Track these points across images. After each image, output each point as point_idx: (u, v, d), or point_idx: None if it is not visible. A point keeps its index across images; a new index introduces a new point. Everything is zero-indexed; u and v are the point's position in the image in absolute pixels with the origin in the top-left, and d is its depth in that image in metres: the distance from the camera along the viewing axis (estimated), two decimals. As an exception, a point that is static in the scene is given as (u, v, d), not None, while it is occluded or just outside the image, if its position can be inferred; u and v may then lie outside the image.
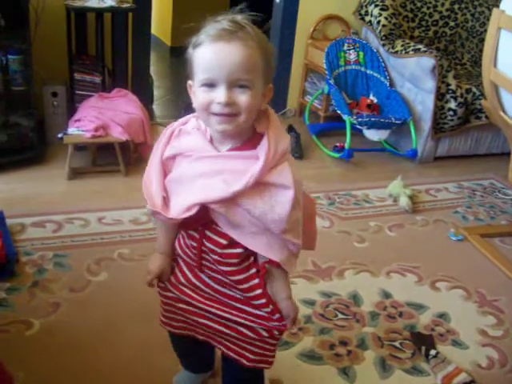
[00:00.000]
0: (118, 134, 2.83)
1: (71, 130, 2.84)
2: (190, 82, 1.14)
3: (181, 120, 1.23)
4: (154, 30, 5.61)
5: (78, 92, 3.10)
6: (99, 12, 3.06)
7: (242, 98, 1.06)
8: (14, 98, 2.99)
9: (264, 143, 1.10)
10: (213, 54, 1.05)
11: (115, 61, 3.28)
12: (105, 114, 2.88)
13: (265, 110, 1.15)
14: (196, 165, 1.13)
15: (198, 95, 1.09)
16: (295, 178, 1.12)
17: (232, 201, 1.09)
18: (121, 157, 2.89)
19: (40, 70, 3.07)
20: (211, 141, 1.15)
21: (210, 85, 1.06)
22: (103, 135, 2.83)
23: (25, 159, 2.90)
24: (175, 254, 1.33)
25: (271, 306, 1.23)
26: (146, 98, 3.56)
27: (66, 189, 2.77)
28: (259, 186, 1.09)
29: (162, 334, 1.81)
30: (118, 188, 2.82)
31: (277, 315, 1.24)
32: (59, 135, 2.83)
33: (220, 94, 1.05)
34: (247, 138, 1.14)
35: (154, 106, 4.03)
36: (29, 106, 2.95)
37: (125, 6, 3.12)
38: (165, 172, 1.19)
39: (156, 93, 4.15)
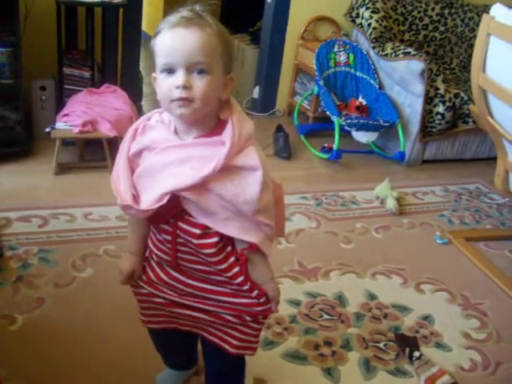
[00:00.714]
0: (106, 130, 2.82)
1: (59, 124, 2.82)
2: (153, 74, 1.16)
3: (144, 116, 1.24)
4: (144, 27, 5.58)
5: (66, 87, 3.08)
6: (90, 6, 3.04)
7: (200, 82, 1.07)
8: (1, 92, 2.95)
9: (229, 128, 1.11)
10: (171, 39, 1.08)
11: (105, 56, 3.26)
12: (93, 109, 2.86)
13: (227, 100, 1.16)
14: (162, 156, 1.13)
15: (160, 83, 1.11)
16: (262, 160, 1.13)
17: (203, 187, 1.10)
18: (108, 153, 2.87)
19: (29, 63, 3.04)
20: (176, 132, 1.16)
21: (170, 70, 1.08)
22: (91, 131, 2.81)
23: (11, 153, 2.88)
24: (147, 254, 1.31)
25: (256, 291, 1.24)
26: (135, 95, 3.54)
27: (53, 184, 2.75)
28: (228, 170, 1.10)
29: (145, 330, 1.81)
30: (105, 184, 2.77)
31: (263, 299, 1.25)
32: (47, 129, 2.81)
33: (178, 78, 1.06)
34: (212, 127, 1.15)
35: (143, 103, 4.01)
36: (17, 100, 2.93)
37: (116, 0, 3.10)
38: (132, 169, 1.20)
39: (145, 89, 4.13)
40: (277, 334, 1.90)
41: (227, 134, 1.10)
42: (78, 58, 3.13)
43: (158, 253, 1.27)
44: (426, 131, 3.46)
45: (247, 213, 1.14)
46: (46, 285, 1.99)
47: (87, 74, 3.09)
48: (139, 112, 3.51)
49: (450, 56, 4.12)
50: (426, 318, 2.11)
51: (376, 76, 3.65)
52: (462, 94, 3.46)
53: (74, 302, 1.93)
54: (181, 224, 1.18)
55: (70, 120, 2.81)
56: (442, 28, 4.05)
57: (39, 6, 3.09)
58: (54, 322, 1.83)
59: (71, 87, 3.07)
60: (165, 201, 1.11)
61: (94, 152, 2.99)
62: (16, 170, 2.81)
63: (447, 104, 3.39)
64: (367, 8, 3.72)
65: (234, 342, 1.32)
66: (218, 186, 1.10)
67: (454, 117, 3.46)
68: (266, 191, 1.14)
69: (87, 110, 2.85)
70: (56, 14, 3.04)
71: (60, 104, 3.08)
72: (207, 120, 1.14)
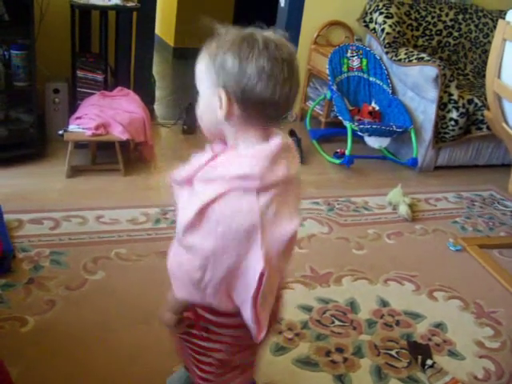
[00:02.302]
0: (118, 133, 2.82)
1: (72, 127, 2.83)
2: None
3: None
4: (157, 31, 5.61)
5: (79, 89, 3.09)
6: (104, 10, 3.06)
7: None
8: (15, 94, 2.97)
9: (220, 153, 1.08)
10: None
11: (118, 59, 3.28)
12: (106, 112, 2.87)
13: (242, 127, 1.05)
14: None
15: None
16: (222, 210, 1.01)
17: (183, 187, 1.09)
18: (121, 156, 2.87)
19: (42, 66, 3.06)
20: None
21: None
22: (104, 133, 2.81)
23: (25, 155, 2.89)
24: None
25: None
26: (148, 98, 3.55)
27: (65, 186, 2.75)
28: (193, 184, 1.05)
29: (157, 335, 1.81)
30: (116, 187, 2.81)
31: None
32: (60, 132, 2.82)
33: None
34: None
35: (156, 107, 4.02)
36: (30, 102, 2.94)
37: (130, 4, 3.12)
38: None
39: (158, 93, 4.14)
40: (288, 339, 1.89)
41: (210, 153, 1.08)
42: (92, 61, 3.14)
43: None
44: (439, 137, 3.44)
45: (177, 233, 1.08)
46: (58, 287, 1.99)
47: (100, 77, 3.11)
48: (152, 115, 3.52)
49: (463, 62, 4.09)
50: (439, 325, 2.08)
51: (389, 81, 3.63)
52: (476, 100, 3.44)
53: (85, 305, 1.93)
54: None
55: (83, 123, 2.82)
56: (456, 34, 4.03)
57: (53, 10, 3.11)
58: (65, 324, 1.83)
59: (84, 90, 3.08)
60: None
61: (107, 155, 3.00)
62: (28, 172, 2.82)
63: (461, 110, 3.36)
64: (381, 13, 3.71)
65: None
66: (182, 192, 1.09)
67: (467, 123, 3.44)
68: (193, 232, 1.03)
69: (100, 112, 2.86)
70: (70, 18, 3.06)
71: (73, 107, 3.09)
72: (222, 140, 1.10)
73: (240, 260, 1.04)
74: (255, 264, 1.04)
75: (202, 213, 1.01)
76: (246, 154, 1.03)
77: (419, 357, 1.86)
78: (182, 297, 1.16)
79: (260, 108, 1.02)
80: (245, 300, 1.08)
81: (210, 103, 1.04)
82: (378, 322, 2.05)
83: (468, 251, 2.62)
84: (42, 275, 2.04)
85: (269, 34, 1.05)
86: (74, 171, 2.87)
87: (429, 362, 1.84)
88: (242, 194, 1.01)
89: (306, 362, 1.81)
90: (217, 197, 1.00)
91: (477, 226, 2.91)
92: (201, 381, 1.31)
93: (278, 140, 1.05)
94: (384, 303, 2.17)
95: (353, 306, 2.12)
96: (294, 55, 1.04)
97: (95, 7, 3.04)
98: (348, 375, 1.78)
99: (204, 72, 1.03)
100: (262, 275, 1.04)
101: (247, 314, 1.09)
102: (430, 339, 2.00)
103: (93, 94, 3.04)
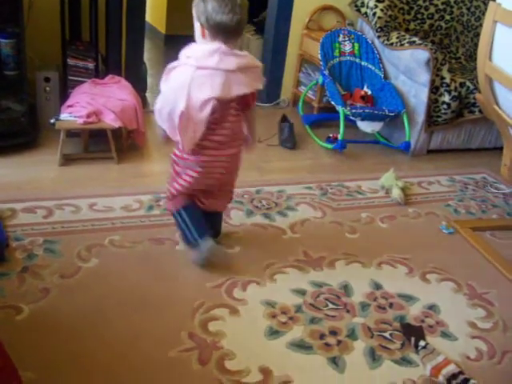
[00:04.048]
0: (110, 121, 2.81)
1: (63, 115, 2.81)
2: None
3: None
4: (148, 18, 5.57)
5: (70, 78, 3.08)
6: (93, -3, 3.03)
7: None
8: (5, 83, 2.95)
9: None
10: None
11: (109, 47, 3.25)
12: (98, 100, 2.86)
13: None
14: None
15: None
16: (175, 73, 1.91)
17: None
18: (113, 143, 2.87)
19: (33, 54, 3.04)
20: None
21: None
22: (96, 121, 2.81)
23: (16, 144, 2.88)
24: None
25: None
26: (140, 86, 3.53)
27: (58, 175, 2.75)
28: None
29: (153, 322, 1.82)
30: (109, 175, 2.80)
31: None
32: (51, 121, 2.81)
33: None
34: None
35: (147, 94, 4.00)
36: (21, 91, 2.93)
37: (119, -9, 3.09)
38: None
39: (149, 81, 4.12)
40: (282, 323, 1.90)
41: None
42: (82, 49, 3.13)
43: None
44: (431, 121, 3.44)
45: None
46: (52, 275, 1.99)
47: (91, 65, 3.09)
48: (144, 103, 3.51)
49: (455, 45, 4.09)
50: (432, 307, 2.10)
51: (381, 65, 3.63)
52: (468, 84, 3.44)
53: (80, 293, 1.93)
54: None
55: (75, 111, 2.81)
56: (448, 17, 4.02)
57: (43, -3, 3.09)
58: (60, 312, 1.83)
59: (75, 78, 3.07)
60: None
61: (99, 143, 2.99)
62: (21, 162, 2.82)
63: (453, 93, 3.36)
64: (372, -3, 3.69)
65: None
66: None
67: (459, 106, 3.44)
68: (163, 83, 1.93)
69: (91, 100, 2.85)
70: (60, 5, 3.03)
71: (64, 95, 3.08)
72: None
73: (176, 101, 1.86)
74: (180, 106, 1.85)
75: (168, 73, 1.93)
76: (196, 47, 1.91)
77: (412, 338, 1.88)
78: (159, 124, 2.00)
79: (217, 29, 1.84)
80: (175, 127, 1.90)
81: (196, 29, 1.91)
82: (372, 305, 2.06)
83: (461, 233, 2.64)
84: (36, 264, 2.04)
85: None
86: (67, 160, 2.86)
87: (422, 343, 1.86)
88: (188, 67, 1.86)
89: (300, 346, 1.82)
90: (175, 66, 1.91)
91: (469, 209, 2.93)
92: (169, 194, 2.15)
93: (217, 45, 1.85)
94: (377, 286, 2.18)
95: (346, 289, 2.14)
96: None
97: (85, -6, 3.01)
98: (342, 357, 1.79)
99: (193, 14, 1.89)
100: (182, 113, 1.85)
101: (177, 138, 1.94)
102: (422, 321, 2.01)
103: (84, 81, 3.03)
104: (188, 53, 1.88)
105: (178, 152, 2.04)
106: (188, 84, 1.83)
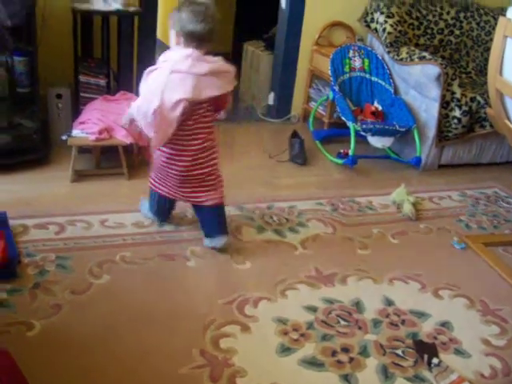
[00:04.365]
0: (121, 137, 2.83)
1: (75, 132, 2.84)
2: None
3: None
4: (159, 35, 5.61)
5: (82, 94, 3.10)
6: (105, 15, 3.07)
7: None
8: (18, 100, 2.98)
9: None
10: None
11: (120, 64, 3.28)
12: (109, 116, 2.88)
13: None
14: None
15: None
16: (152, 75, 2.12)
17: None
18: (124, 160, 2.88)
19: (45, 71, 3.07)
20: None
21: None
22: (107, 138, 2.82)
23: (29, 160, 2.90)
24: None
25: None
26: (151, 102, 3.55)
27: (69, 191, 2.76)
28: None
29: (162, 338, 1.82)
30: (121, 191, 2.81)
31: None
32: (63, 137, 2.83)
33: None
34: None
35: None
36: (33, 108, 2.95)
37: (131, 9, 3.13)
38: None
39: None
40: (294, 340, 1.89)
41: None
42: (94, 65, 3.16)
43: None
44: (442, 136, 3.43)
45: None
46: (63, 291, 2.00)
47: (103, 82, 3.12)
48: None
49: (465, 60, 4.08)
50: (445, 324, 2.08)
51: (391, 81, 3.63)
52: (479, 98, 3.43)
53: (91, 309, 1.93)
54: None
55: (87, 127, 2.83)
56: (458, 32, 4.02)
57: (55, 15, 3.12)
58: (72, 328, 1.84)
59: (87, 95, 3.10)
60: None
61: (110, 159, 3.00)
62: (33, 178, 2.83)
63: (464, 108, 3.36)
64: (382, 13, 3.70)
65: None
66: None
67: (470, 121, 3.43)
68: (142, 84, 2.14)
69: (103, 117, 2.87)
70: (72, 23, 3.07)
71: (76, 111, 3.10)
72: None
73: (151, 101, 2.05)
74: (154, 105, 2.04)
75: (146, 75, 2.12)
76: (171, 53, 2.13)
77: (425, 355, 1.86)
78: (130, 112, 2.23)
79: (190, 36, 2.07)
80: (151, 124, 2.10)
81: (172, 36, 2.14)
82: (384, 322, 2.05)
83: (473, 249, 2.62)
84: (48, 280, 2.05)
85: (200, 0, 2.11)
86: (78, 176, 2.88)
87: (435, 360, 1.84)
88: (163, 71, 2.06)
89: (312, 363, 1.81)
90: (153, 69, 2.11)
91: (481, 224, 2.90)
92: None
93: (190, 51, 2.07)
94: (389, 302, 2.17)
95: (358, 305, 2.12)
96: (206, 7, 2.07)
97: (97, 12, 3.05)
98: (354, 375, 1.78)
99: (170, 23, 2.14)
100: (155, 111, 2.04)
101: (151, 134, 2.13)
102: (435, 338, 1.99)
103: (96, 98, 3.06)
104: (164, 58, 2.11)
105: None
106: (162, 86, 2.04)
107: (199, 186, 2.27)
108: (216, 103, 2.22)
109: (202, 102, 2.14)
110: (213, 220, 2.34)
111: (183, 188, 2.28)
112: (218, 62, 2.13)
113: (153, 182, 2.37)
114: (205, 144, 2.22)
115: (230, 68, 2.18)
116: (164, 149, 2.20)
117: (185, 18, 2.05)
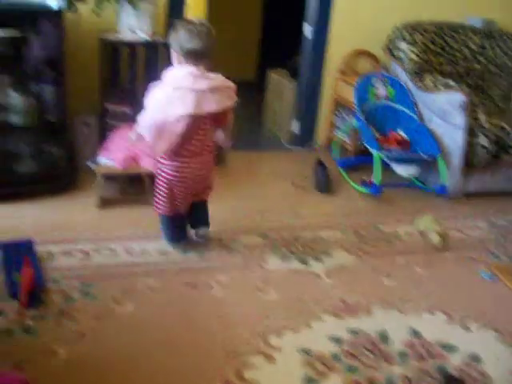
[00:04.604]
0: (147, 165, 2.85)
1: (101, 159, 2.87)
2: None
3: None
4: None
5: (109, 122, 3.14)
6: (133, 46, 3.12)
7: None
8: (46, 128, 3.03)
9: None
10: None
11: (147, 93, 3.31)
12: (135, 144, 2.90)
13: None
14: None
15: None
16: (155, 92, 2.24)
17: None
18: (150, 187, 2.90)
19: (72, 99, 3.12)
20: None
21: None
22: (133, 166, 2.85)
23: (55, 187, 2.94)
24: None
25: None
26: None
27: (95, 218, 2.79)
28: None
29: (185, 368, 1.80)
30: (146, 218, 2.82)
31: None
32: (90, 165, 2.87)
33: None
34: None
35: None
36: (61, 136, 3.00)
37: (157, 39, 3.18)
38: None
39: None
40: (319, 372, 1.86)
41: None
42: (121, 94, 3.20)
43: None
44: (468, 164, 3.40)
45: None
46: (88, 319, 2.00)
47: (129, 110, 3.15)
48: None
49: (491, 87, 4.06)
50: (474, 357, 2.03)
51: (416, 108, 3.62)
52: (505, 125, 3.40)
53: (114, 337, 1.93)
54: None
55: (112, 155, 2.86)
56: (482, 59, 4.01)
57: (83, 45, 3.19)
58: (96, 355, 1.83)
59: (113, 123, 3.13)
60: None
61: (136, 186, 3.03)
62: (59, 204, 2.87)
63: (489, 136, 3.33)
64: (405, 41, 3.71)
65: None
66: None
67: (496, 148, 3.39)
68: (147, 99, 2.24)
69: (129, 145, 2.89)
70: (99, 53, 3.13)
71: (102, 139, 3.14)
72: None
73: (155, 115, 2.20)
74: (157, 119, 2.20)
75: (151, 91, 2.23)
76: (174, 70, 2.24)
77: (454, 390, 1.82)
78: (137, 126, 2.36)
79: (188, 54, 2.19)
80: (154, 136, 2.26)
81: (172, 55, 2.26)
82: (410, 354, 2.01)
83: (502, 279, 2.57)
84: (72, 307, 2.06)
85: (195, 20, 2.33)
86: (104, 202, 2.90)
87: (464, 395, 1.79)
88: (166, 87, 2.20)
89: (338, 395, 1.77)
90: (157, 85, 2.22)
91: (510, 254, 2.85)
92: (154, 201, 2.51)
93: (190, 69, 2.19)
94: (416, 334, 2.12)
95: (384, 337, 2.09)
96: (203, 28, 2.21)
97: (125, 43, 3.10)
98: (381, 409, 1.74)
99: (170, 44, 2.25)
100: (157, 125, 2.20)
101: (155, 144, 2.29)
102: (464, 371, 1.94)
103: (122, 126, 3.09)
104: (167, 75, 2.24)
105: (159, 158, 2.37)
106: (165, 101, 2.18)
107: (206, 185, 2.52)
108: (216, 118, 2.33)
109: (203, 117, 2.26)
110: (204, 212, 2.61)
111: (197, 186, 2.46)
112: (218, 79, 2.25)
113: (158, 206, 2.47)
114: (210, 154, 2.42)
115: (231, 84, 2.30)
116: (167, 161, 2.34)
117: (182, 38, 2.18)
